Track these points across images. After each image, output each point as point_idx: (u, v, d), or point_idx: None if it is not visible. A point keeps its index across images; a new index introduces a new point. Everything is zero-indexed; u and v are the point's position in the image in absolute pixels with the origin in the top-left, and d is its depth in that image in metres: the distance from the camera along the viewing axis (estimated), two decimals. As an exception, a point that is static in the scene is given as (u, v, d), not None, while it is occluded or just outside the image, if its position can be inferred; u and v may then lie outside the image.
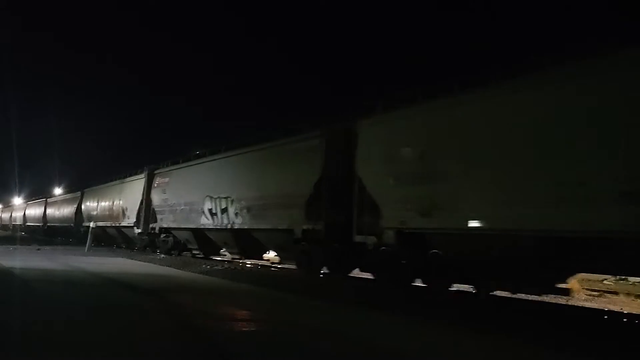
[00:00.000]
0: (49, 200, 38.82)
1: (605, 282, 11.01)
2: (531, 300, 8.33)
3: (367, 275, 10.29)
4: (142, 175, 20.47)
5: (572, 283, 7.78)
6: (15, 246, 18.69)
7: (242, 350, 4.11)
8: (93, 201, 26.91)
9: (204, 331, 4.76)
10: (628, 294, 10.23)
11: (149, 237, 19.95)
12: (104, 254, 17.28)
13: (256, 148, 13.19)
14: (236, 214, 13.53)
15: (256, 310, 6.35)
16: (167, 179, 18.13)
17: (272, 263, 15.50)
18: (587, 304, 9.06)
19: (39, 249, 17.73)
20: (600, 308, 8.36)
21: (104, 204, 24.75)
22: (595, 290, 10.54)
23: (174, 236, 17.73)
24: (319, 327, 5.27)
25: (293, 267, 12.05)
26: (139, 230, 20.29)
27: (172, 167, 18.05)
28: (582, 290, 10.25)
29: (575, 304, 8.70)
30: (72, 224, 30.49)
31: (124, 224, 21.81)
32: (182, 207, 16.60)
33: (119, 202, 22.47)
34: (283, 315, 6.00)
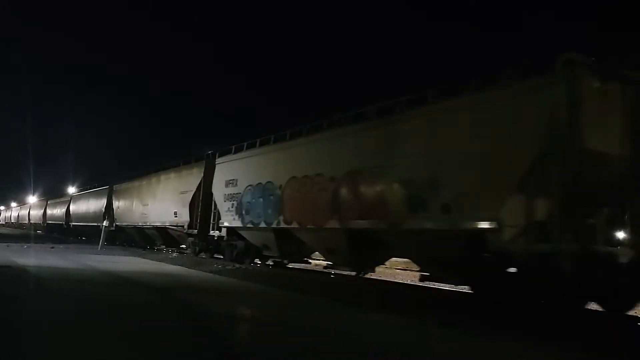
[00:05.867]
0: (116, 187, 25.53)
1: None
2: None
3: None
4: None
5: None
6: (29, 244, 18.51)
7: (251, 349, 4.06)
8: (249, 178, 13.52)
9: (214, 330, 4.70)
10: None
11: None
12: (116, 252, 16.93)
13: None
14: None
15: (266, 310, 6.20)
16: None
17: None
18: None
19: (52, 247, 17.18)
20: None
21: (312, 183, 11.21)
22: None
23: None
24: (325, 327, 5.16)
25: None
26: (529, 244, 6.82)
27: None
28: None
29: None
30: (183, 227, 17.12)
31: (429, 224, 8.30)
32: None
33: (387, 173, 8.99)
34: (291, 315, 5.86)
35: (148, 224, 20.19)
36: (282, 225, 11.88)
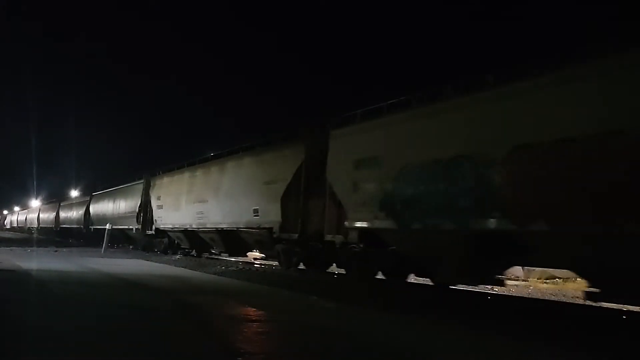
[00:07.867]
0: (154, 181, 20.55)
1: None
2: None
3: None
4: None
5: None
6: (33, 248, 18.28)
7: (255, 350, 3.96)
8: (408, 152, 8.64)
9: (218, 331, 4.68)
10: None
11: None
12: (119, 255, 16.70)
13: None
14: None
15: (269, 310, 6.13)
16: None
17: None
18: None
19: (56, 251, 17.11)
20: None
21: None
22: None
23: None
24: (328, 327, 5.08)
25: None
26: None
27: None
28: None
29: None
30: (270, 229, 12.23)
31: None
32: None
33: None
34: (295, 316, 5.79)
35: (208, 225, 15.34)
36: (504, 225, 7.01)
